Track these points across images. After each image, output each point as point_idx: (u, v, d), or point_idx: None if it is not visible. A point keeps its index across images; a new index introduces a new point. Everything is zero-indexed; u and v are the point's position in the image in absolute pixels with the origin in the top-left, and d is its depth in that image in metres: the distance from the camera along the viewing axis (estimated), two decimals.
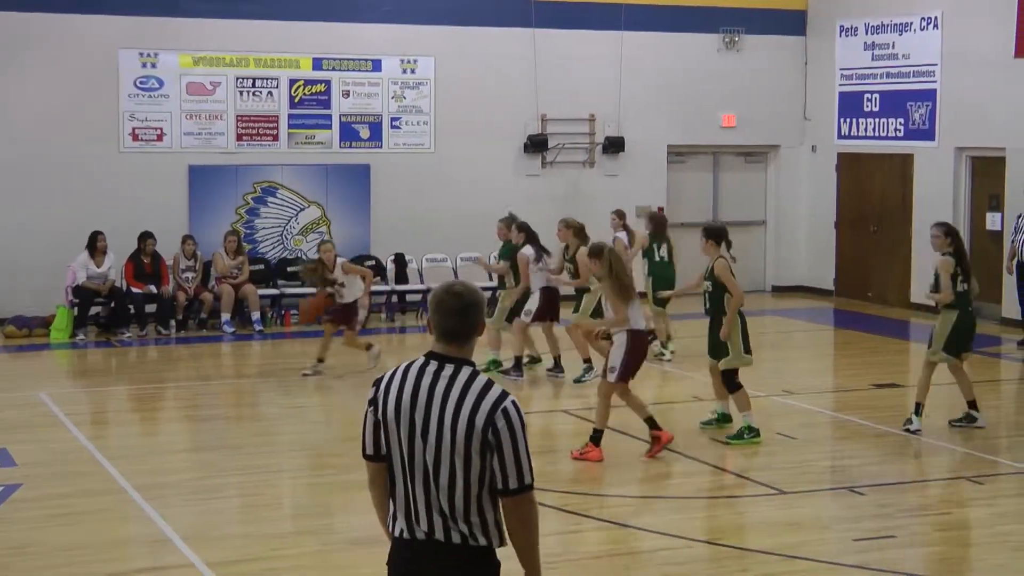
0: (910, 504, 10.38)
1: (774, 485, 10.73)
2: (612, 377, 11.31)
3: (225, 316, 18.82)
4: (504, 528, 4.88)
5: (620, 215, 17.51)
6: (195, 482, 11.01)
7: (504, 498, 4.78)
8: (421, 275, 20.45)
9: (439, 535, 4.81)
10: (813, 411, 13.78)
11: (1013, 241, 18.03)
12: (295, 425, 13.25)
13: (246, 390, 15.64)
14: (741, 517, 9.99)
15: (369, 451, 4.99)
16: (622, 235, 17.14)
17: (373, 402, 4.92)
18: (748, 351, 12.09)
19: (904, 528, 9.73)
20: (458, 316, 4.82)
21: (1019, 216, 18.00)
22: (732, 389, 12.13)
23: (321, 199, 20.50)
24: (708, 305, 12.17)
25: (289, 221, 20.43)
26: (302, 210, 20.45)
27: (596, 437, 11.44)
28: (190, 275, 19.02)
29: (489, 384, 4.79)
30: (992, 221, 19.91)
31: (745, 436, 11.99)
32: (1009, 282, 18.51)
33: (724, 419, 12.51)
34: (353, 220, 20.57)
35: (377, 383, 4.95)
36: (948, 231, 12.72)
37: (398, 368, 4.94)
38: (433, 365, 4.83)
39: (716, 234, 12.27)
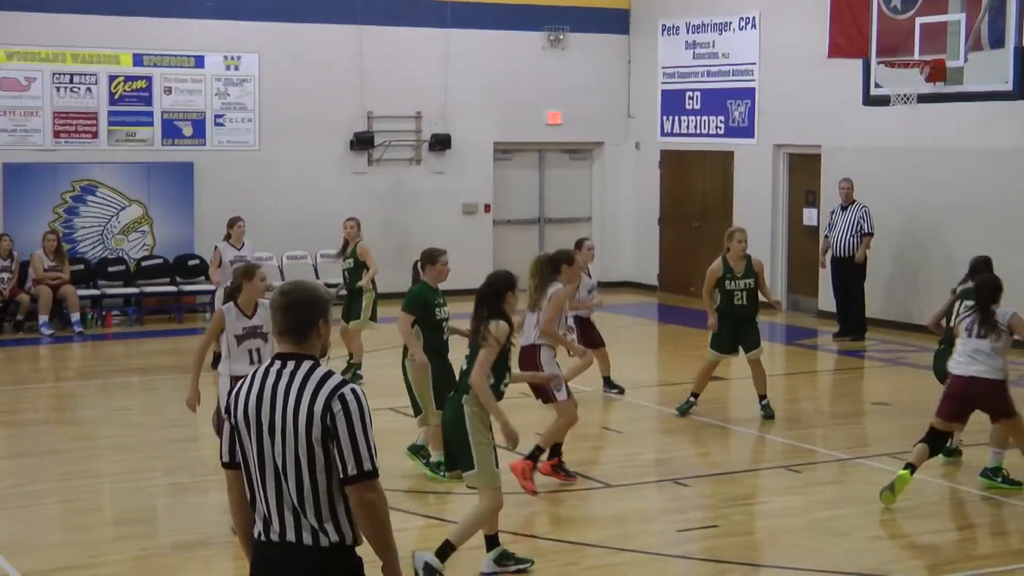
0: (731, 494, 10.62)
1: (601, 479, 10.88)
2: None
3: (43, 318, 18.32)
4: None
5: (358, 223, 15.97)
6: (11, 489, 10.70)
7: (347, 487, 4.82)
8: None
9: (291, 536, 4.87)
10: (639, 405, 13.98)
11: (827, 236, 18.56)
12: (116, 428, 12.98)
13: (65, 393, 15.28)
14: (569, 511, 10.09)
15: (225, 458, 5.07)
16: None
17: (227, 409, 5.01)
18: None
19: (726, 518, 9.96)
20: (283, 313, 4.97)
21: (832, 212, 18.52)
22: None
23: (143, 197, 20.12)
24: (745, 301, 12.98)
25: (110, 220, 20.00)
26: (123, 209, 20.04)
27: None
28: (5, 276, 18.47)
29: (329, 374, 4.90)
30: (809, 217, 20.47)
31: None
32: (824, 276, 19.04)
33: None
34: (176, 219, 20.24)
35: (230, 391, 5.05)
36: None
37: (250, 373, 5.04)
38: (277, 364, 4.96)
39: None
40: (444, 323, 10.55)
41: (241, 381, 5.01)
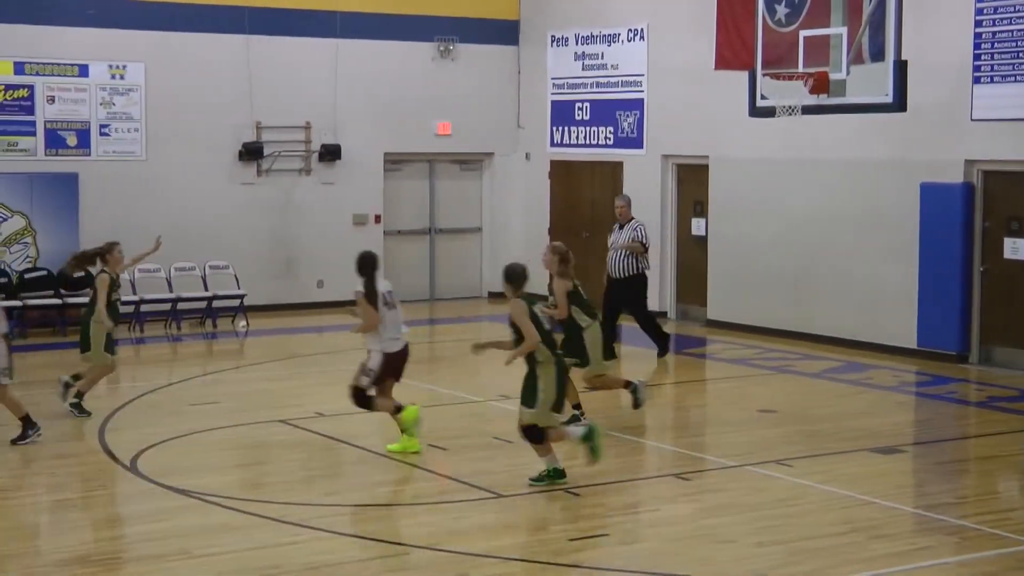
0: (622, 502, 10.69)
1: (492, 489, 10.88)
2: None
3: None
4: None
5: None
6: None
7: None
8: (133, 286, 19.92)
9: None
10: None
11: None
12: None
13: None
14: (460, 522, 10.07)
15: None
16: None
17: None
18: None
19: (617, 526, 10.03)
20: None
21: (611, 232, 17.62)
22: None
23: (25, 208, 19.75)
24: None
25: None
26: (5, 220, 19.66)
27: None
28: None
29: None
30: (697, 226, 20.68)
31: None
32: (712, 284, 19.21)
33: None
34: (60, 230, 19.87)
35: None
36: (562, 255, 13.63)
37: None
38: None
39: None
40: None
41: None
